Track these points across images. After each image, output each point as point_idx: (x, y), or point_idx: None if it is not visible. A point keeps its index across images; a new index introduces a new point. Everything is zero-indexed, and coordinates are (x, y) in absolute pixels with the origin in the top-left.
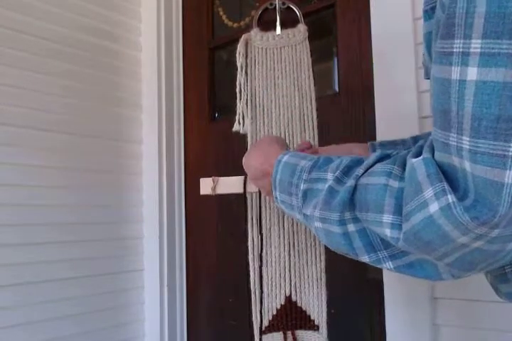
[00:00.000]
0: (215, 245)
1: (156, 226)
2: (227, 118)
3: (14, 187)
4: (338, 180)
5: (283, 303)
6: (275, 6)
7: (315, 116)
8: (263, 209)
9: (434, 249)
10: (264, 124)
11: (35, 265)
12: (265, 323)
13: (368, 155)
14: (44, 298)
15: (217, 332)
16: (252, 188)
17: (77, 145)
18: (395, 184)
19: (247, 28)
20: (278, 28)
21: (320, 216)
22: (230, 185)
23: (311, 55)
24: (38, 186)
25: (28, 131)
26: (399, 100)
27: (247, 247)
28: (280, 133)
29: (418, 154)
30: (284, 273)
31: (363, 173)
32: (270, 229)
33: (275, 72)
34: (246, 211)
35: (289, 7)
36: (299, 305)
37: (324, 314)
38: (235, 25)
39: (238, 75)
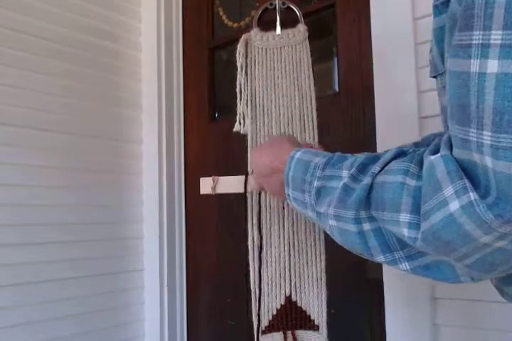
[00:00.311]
0: (215, 245)
1: (156, 226)
2: (227, 118)
3: (14, 187)
4: (354, 178)
5: (283, 303)
6: (275, 6)
7: (315, 116)
8: (263, 209)
9: (454, 250)
10: (264, 124)
11: (35, 265)
12: (265, 323)
13: None
14: (44, 298)
15: (217, 332)
16: (252, 187)
17: (77, 145)
18: (412, 182)
19: (247, 28)
20: (278, 28)
21: (334, 214)
22: (230, 184)
23: (311, 55)
24: (38, 186)
25: (28, 131)
26: (399, 100)
27: (247, 247)
28: (280, 134)
29: (435, 151)
30: (284, 273)
31: (380, 171)
32: (270, 229)
33: (275, 72)
34: (246, 211)
35: (289, 7)
36: (299, 305)
37: (324, 314)
38: (235, 25)
39: (238, 75)
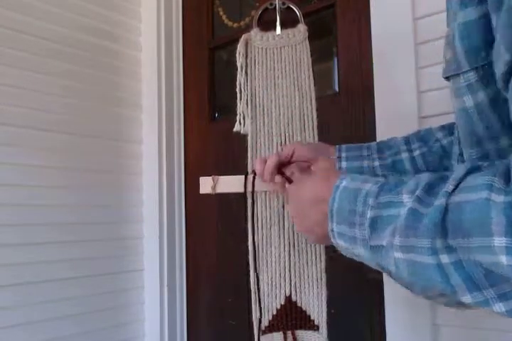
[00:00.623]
0: (215, 245)
1: (156, 226)
2: (227, 118)
3: (14, 187)
4: (420, 201)
5: (283, 303)
6: (275, 6)
7: (315, 116)
8: (263, 209)
9: None
10: (264, 124)
11: (35, 265)
12: (265, 323)
13: (334, 157)
14: (44, 298)
15: (217, 332)
16: (259, 187)
17: (77, 145)
18: (499, 198)
19: (247, 28)
20: (278, 28)
21: (401, 244)
22: (230, 184)
23: (311, 55)
24: (38, 186)
25: (28, 131)
26: (399, 100)
27: (247, 247)
28: (280, 133)
29: None
30: (284, 273)
31: (453, 190)
32: (270, 229)
33: (275, 72)
34: (246, 210)
35: (289, 7)
36: (299, 305)
37: (324, 314)
38: (235, 25)
39: (238, 75)
